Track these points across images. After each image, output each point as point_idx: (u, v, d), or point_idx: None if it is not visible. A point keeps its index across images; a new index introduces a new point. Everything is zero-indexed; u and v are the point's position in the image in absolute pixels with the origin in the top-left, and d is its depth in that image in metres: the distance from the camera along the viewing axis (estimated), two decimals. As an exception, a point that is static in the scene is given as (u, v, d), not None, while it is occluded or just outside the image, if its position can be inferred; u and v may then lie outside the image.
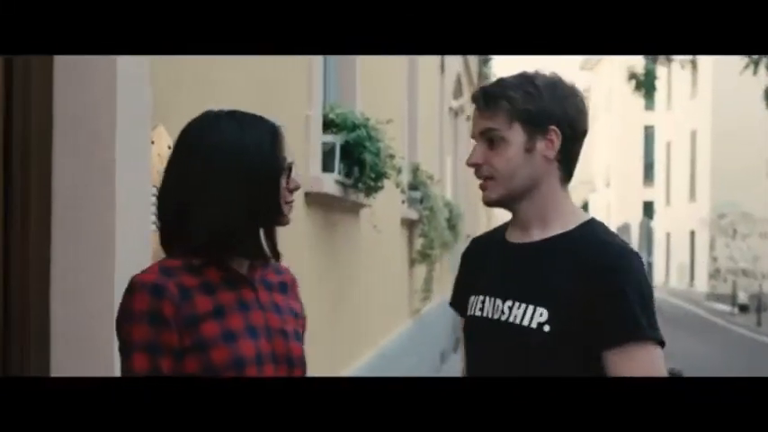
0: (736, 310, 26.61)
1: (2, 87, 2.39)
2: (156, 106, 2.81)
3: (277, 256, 2.19)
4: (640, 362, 2.14)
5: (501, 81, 2.31)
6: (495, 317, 2.27)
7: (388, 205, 7.13)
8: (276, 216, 2.12)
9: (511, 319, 2.23)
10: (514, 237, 2.36)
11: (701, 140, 33.04)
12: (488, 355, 2.31)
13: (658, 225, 40.39)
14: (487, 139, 2.27)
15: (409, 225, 9.21)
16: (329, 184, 5.02)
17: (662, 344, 2.18)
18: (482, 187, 2.31)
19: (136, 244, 2.66)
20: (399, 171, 6.45)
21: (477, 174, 2.31)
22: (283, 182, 2.10)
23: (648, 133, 44.12)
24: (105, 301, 2.51)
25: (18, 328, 2.45)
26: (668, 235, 38.30)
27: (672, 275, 37.08)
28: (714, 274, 31.08)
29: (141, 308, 1.92)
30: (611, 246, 2.22)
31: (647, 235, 41.09)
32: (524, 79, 2.28)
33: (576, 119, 2.29)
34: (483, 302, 2.33)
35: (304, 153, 4.86)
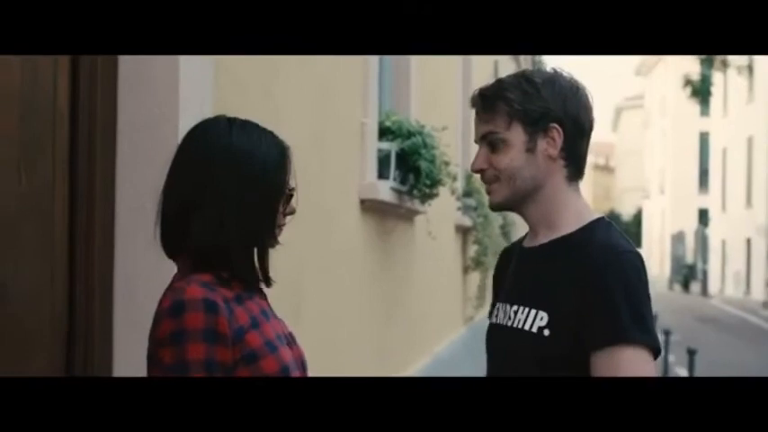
0: (793, 318, 26.23)
1: (68, 95, 2.43)
2: (216, 114, 2.83)
3: (268, 280, 2.13)
4: (622, 365, 2.02)
5: (499, 82, 2.25)
6: (504, 322, 2.26)
7: (442, 212, 7.14)
8: (268, 237, 2.07)
9: (515, 324, 2.20)
10: (527, 241, 2.33)
11: (758, 146, 32.66)
12: (497, 361, 2.31)
13: (714, 232, 39.96)
14: (489, 142, 2.22)
15: (463, 232, 9.21)
16: (385, 191, 5.04)
17: (654, 349, 2.06)
18: (487, 191, 2.27)
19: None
20: (454, 178, 6.45)
21: (483, 179, 2.27)
22: (281, 205, 2.07)
23: (704, 139, 43.72)
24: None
25: (81, 337, 2.49)
26: (724, 242, 37.87)
27: (728, 283, 36.65)
28: (771, 282, 30.66)
29: (196, 326, 1.85)
30: (606, 247, 2.13)
31: (702, 242, 40.68)
32: (522, 78, 2.23)
33: (579, 114, 2.22)
34: (498, 309, 2.32)
35: (360, 160, 4.87)
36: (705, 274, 39.04)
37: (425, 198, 5.71)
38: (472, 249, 9.51)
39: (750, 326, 23.76)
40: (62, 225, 2.43)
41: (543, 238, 2.25)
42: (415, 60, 6.47)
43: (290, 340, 2.14)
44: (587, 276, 2.09)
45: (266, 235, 2.06)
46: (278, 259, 3.51)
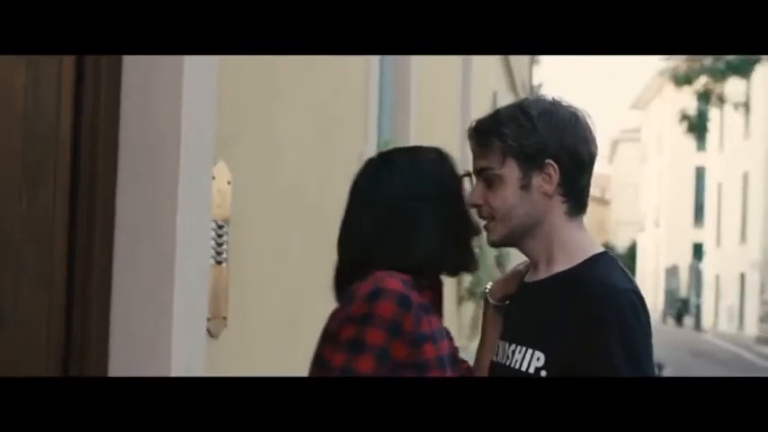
0: (786, 355, 26.20)
1: (71, 118, 2.44)
2: (217, 141, 2.85)
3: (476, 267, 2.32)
4: None
5: (494, 115, 2.19)
6: (503, 361, 2.19)
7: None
8: (475, 230, 2.23)
9: (513, 364, 2.13)
10: (529, 275, 2.25)
11: (753, 182, 32.75)
12: None
13: (708, 267, 40.00)
14: (484, 178, 2.16)
15: (458, 262, 9.19)
16: (382, 220, 5.03)
17: None
18: (485, 228, 2.21)
19: (195, 276, 2.69)
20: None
21: (479, 215, 2.21)
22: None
23: (699, 174, 43.83)
24: (164, 335, 2.54)
25: (77, 362, 2.49)
26: (718, 277, 37.90)
27: (721, 318, 36.64)
28: (764, 318, 30.65)
29: (385, 314, 1.97)
30: (603, 285, 2.03)
31: (696, 277, 40.69)
32: (518, 110, 2.14)
33: (577, 147, 2.14)
34: (499, 347, 2.24)
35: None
36: (698, 308, 39.03)
37: (422, 228, 5.70)
38: (467, 280, 9.50)
39: (743, 361, 23.74)
40: (62, 248, 2.43)
41: (542, 274, 2.18)
42: (415, 89, 6.49)
43: (456, 363, 2.23)
44: (582, 316, 2.00)
45: (466, 228, 2.25)
46: (275, 284, 3.52)
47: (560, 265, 2.14)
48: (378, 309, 1.97)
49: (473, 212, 2.22)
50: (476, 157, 2.20)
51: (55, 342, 2.42)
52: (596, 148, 2.20)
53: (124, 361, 2.56)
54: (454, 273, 2.25)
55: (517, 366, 2.11)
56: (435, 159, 2.29)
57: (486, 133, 2.16)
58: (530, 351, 2.09)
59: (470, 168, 2.23)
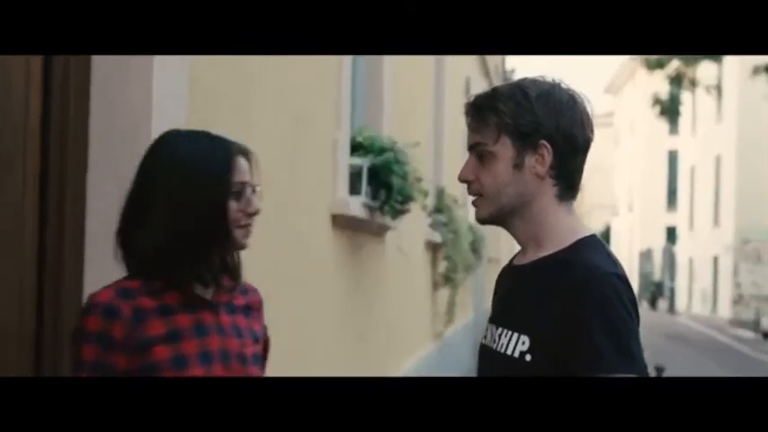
0: (759, 336, 26.42)
1: (40, 109, 2.41)
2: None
3: (236, 278, 2.17)
4: None
5: (493, 91, 2.15)
6: (490, 344, 2.17)
7: (412, 228, 7.14)
8: (222, 240, 2.07)
9: (499, 348, 2.11)
10: (517, 258, 2.24)
11: (726, 165, 32.94)
12: None
13: (681, 250, 40.22)
14: (477, 153, 2.14)
15: (433, 248, 9.22)
16: (356, 206, 5.03)
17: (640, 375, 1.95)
18: (473, 204, 2.18)
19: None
20: (426, 194, 6.46)
21: (469, 190, 2.18)
22: (234, 205, 2.06)
23: (672, 158, 44.06)
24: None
25: (50, 351, 2.47)
26: (691, 260, 38.12)
27: (695, 301, 36.88)
28: (737, 300, 30.85)
29: (92, 329, 1.92)
30: (588, 268, 2.00)
31: (669, 260, 40.92)
32: (517, 89, 2.11)
33: (572, 131, 2.11)
34: (487, 330, 2.23)
35: (331, 175, 4.87)
36: (672, 291, 39.28)
37: (397, 214, 5.71)
38: (442, 265, 9.52)
39: (717, 343, 23.91)
40: (32, 239, 2.41)
41: (531, 257, 2.16)
42: (388, 76, 6.48)
43: (234, 359, 2.08)
44: (566, 299, 1.98)
45: (217, 236, 2.05)
46: (250, 273, 3.51)
47: (548, 249, 2.12)
48: (85, 324, 1.94)
49: (233, 227, 2.09)
50: (471, 132, 2.16)
51: (27, 332, 2.40)
52: (592, 133, 2.17)
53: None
54: (184, 283, 2.04)
55: (503, 350, 2.09)
56: (197, 148, 2.07)
57: (482, 108, 2.12)
58: (515, 335, 2.07)
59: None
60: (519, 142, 2.09)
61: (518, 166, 2.10)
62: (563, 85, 2.15)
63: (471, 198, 2.19)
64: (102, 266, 2.55)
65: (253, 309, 2.23)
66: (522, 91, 2.10)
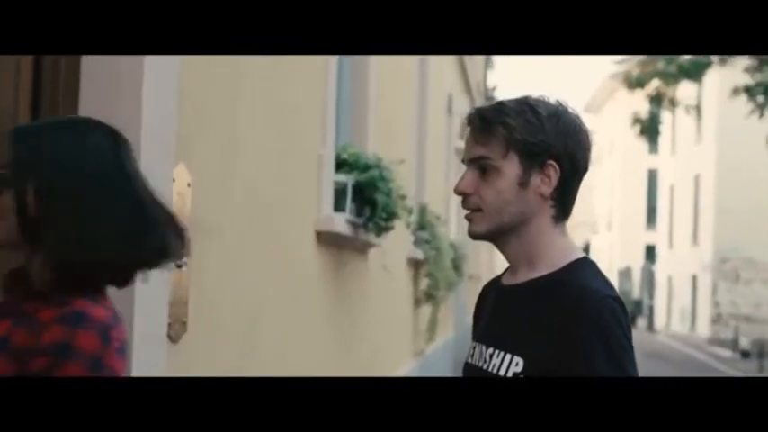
0: (737, 355, 26.50)
1: (29, 116, 2.40)
2: (177, 144, 2.81)
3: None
4: None
5: (500, 105, 2.10)
6: (480, 364, 2.13)
7: (394, 245, 7.13)
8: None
9: (490, 368, 2.07)
10: (506, 278, 2.20)
11: (705, 185, 33.07)
12: None
13: (660, 269, 40.33)
14: (479, 166, 2.08)
15: (415, 265, 9.21)
16: (340, 223, 5.02)
17: None
18: (468, 218, 2.12)
19: (155, 281, 2.64)
20: (410, 212, 6.46)
21: (465, 204, 2.11)
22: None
23: (652, 177, 44.24)
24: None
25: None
26: (670, 279, 38.22)
27: (673, 319, 36.96)
28: (716, 319, 30.98)
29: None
30: (584, 290, 1.97)
31: (648, 278, 41.05)
32: (526, 106, 2.07)
33: (578, 155, 2.09)
34: (474, 349, 2.19)
35: (317, 192, 4.86)
36: (651, 309, 39.38)
37: (381, 231, 5.70)
38: (423, 282, 9.51)
39: (695, 362, 23.96)
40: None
41: (522, 277, 2.11)
42: (373, 92, 6.48)
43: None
44: (563, 321, 1.94)
45: None
46: (235, 287, 3.50)
47: (541, 269, 2.08)
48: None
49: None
50: (474, 145, 2.10)
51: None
52: (590, 159, 2.16)
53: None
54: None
55: (495, 371, 2.05)
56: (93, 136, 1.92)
57: (491, 121, 2.06)
58: (508, 356, 2.02)
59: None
60: (527, 160, 2.05)
61: (523, 184, 2.06)
62: (569, 108, 2.12)
63: (465, 212, 2.14)
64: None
65: (43, 322, 1.87)
66: (532, 108, 2.06)
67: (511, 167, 2.05)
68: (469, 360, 2.20)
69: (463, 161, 2.15)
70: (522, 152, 2.05)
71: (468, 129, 2.13)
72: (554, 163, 2.06)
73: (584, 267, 2.07)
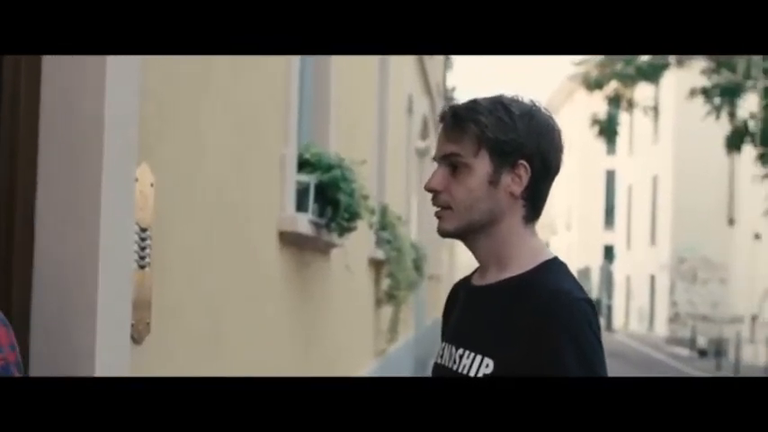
0: (695, 354, 26.75)
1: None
2: (140, 143, 2.78)
3: None
4: None
5: (473, 103, 2.08)
6: (449, 365, 2.11)
7: (356, 246, 7.12)
8: None
9: (460, 369, 2.05)
10: (476, 278, 2.19)
11: (663, 185, 33.38)
12: None
13: (618, 269, 40.66)
14: (450, 164, 2.08)
15: (376, 265, 9.20)
16: (303, 223, 5.00)
17: None
18: (438, 216, 2.11)
19: (118, 282, 2.62)
20: (373, 212, 6.44)
21: (435, 201, 2.10)
22: None
23: (610, 178, 44.58)
24: (87, 341, 2.47)
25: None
26: (628, 279, 38.55)
27: (631, 319, 37.28)
28: (674, 319, 31.28)
29: None
30: (557, 294, 1.96)
31: (606, 278, 41.37)
32: (499, 104, 2.06)
33: (550, 155, 2.09)
34: (443, 349, 2.18)
35: (279, 192, 4.84)
36: (610, 309, 39.71)
37: (343, 231, 5.68)
38: (385, 283, 9.50)
39: (653, 361, 24.17)
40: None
41: (492, 278, 2.10)
42: (335, 92, 6.47)
43: None
44: (534, 323, 1.93)
45: None
46: (198, 287, 3.47)
47: (512, 270, 2.07)
48: None
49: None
50: (445, 142, 2.09)
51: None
52: (562, 160, 2.15)
53: (46, 368, 2.48)
54: None
55: (465, 372, 2.04)
56: None
57: (463, 119, 2.06)
58: (478, 357, 2.01)
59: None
60: (498, 159, 2.04)
61: (494, 182, 2.05)
62: (542, 108, 2.12)
63: (435, 209, 2.13)
64: (51, 281, 2.49)
65: None
66: (505, 107, 2.06)
67: (482, 165, 2.05)
68: (439, 361, 2.19)
69: (434, 158, 2.14)
70: (493, 150, 2.04)
71: (441, 126, 2.12)
72: (525, 162, 2.06)
73: (554, 268, 2.07)
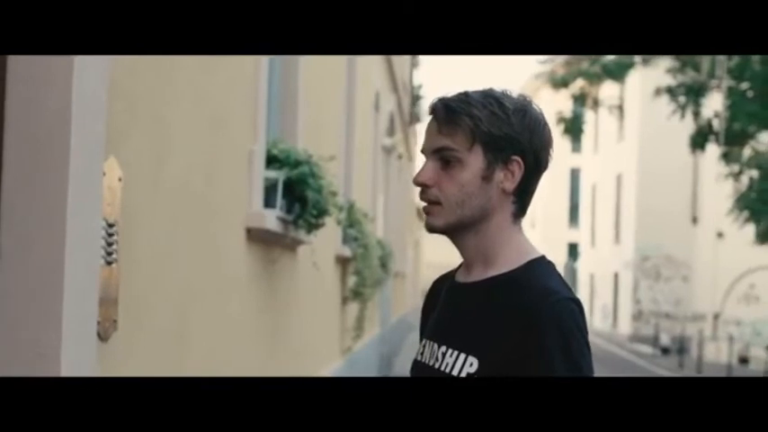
0: (658, 352, 26.93)
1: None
2: (107, 137, 2.74)
3: None
4: None
5: (466, 96, 2.02)
6: (431, 363, 2.08)
7: (323, 243, 7.09)
8: None
9: (443, 368, 2.02)
10: (460, 275, 2.14)
11: (627, 184, 33.55)
12: None
13: (583, 266, 40.85)
14: (442, 158, 2.01)
15: (343, 262, 9.18)
16: (271, 220, 4.96)
17: None
18: (426, 211, 2.06)
19: (85, 278, 2.58)
20: (341, 209, 6.42)
21: (423, 195, 2.05)
22: None
23: (574, 176, 44.78)
24: (53, 339, 2.43)
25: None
26: (592, 276, 38.73)
27: (595, 317, 37.44)
28: (637, 316, 31.47)
29: None
30: (543, 292, 1.93)
31: (571, 276, 41.53)
32: (492, 98, 2.01)
33: (542, 151, 2.05)
34: (425, 347, 2.14)
35: (247, 188, 4.80)
36: (574, 307, 39.87)
37: (311, 228, 5.65)
38: (351, 280, 9.48)
39: (617, 358, 24.30)
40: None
41: (478, 275, 2.06)
42: (303, 88, 6.43)
43: None
44: (521, 323, 1.89)
45: None
46: (165, 283, 3.43)
47: (498, 268, 2.04)
48: None
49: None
50: (437, 135, 2.03)
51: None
52: (551, 157, 2.11)
53: (11, 366, 2.43)
54: None
55: (448, 370, 2.00)
56: None
57: (457, 111, 1.99)
58: (462, 356, 1.98)
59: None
60: (492, 154, 2.00)
61: (486, 178, 2.01)
62: (534, 104, 2.08)
63: (423, 204, 2.08)
64: (17, 278, 2.45)
65: None
66: (498, 101, 2.01)
67: (475, 160, 2.00)
68: (419, 358, 2.16)
69: (423, 152, 2.08)
70: (487, 145, 1.99)
71: (432, 119, 2.06)
72: (519, 158, 2.02)
73: (542, 268, 2.04)
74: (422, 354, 2.15)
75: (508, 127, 2.00)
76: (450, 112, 2.01)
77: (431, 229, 2.08)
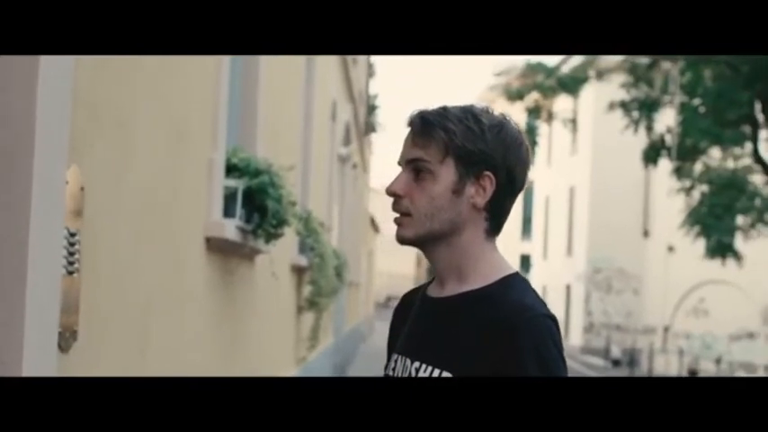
0: (609, 364, 27.11)
1: None
2: (70, 146, 2.70)
3: None
4: None
5: (444, 110, 2.04)
6: (403, 378, 2.06)
7: (280, 252, 7.05)
8: None
9: None
10: (432, 290, 2.14)
11: (579, 197, 33.81)
12: None
13: (535, 279, 41.01)
14: (415, 169, 2.03)
15: (298, 272, 9.14)
16: (230, 229, 4.92)
17: None
18: (397, 222, 2.06)
19: (46, 288, 2.54)
20: (300, 219, 6.39)
21: (395, 206, 2.05)
22: None
23: (527, 188, 44.86)
24: (14, 349, 2.38)
25: None
26: (544, 288, 38.91)
27: (547, 328, 37.65)
28: (588, 328, 31.69)
29: None
30: (519, 308, 1.93)
31: (523, 288, 41.73)
32: (470, 114, 2.03)
33: (516, 169, 2.05)
34: (396, 362, 2.13)
35: (207, 197, 4.76)
36: (525, 318, 40.06)
37: (270, 238, 5.61)
38: (307, 290, 9.44)
39: (569, 371, 24.39)
40: None
41: (451, 290, 2.06)
42: (262, 96, 6.40)
43: None
44: (497, 338, 1.89)
45: None
46: (124, 291, 3.39)
47: (472, 283, 2.04)
48: None
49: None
50: (411, 147, 2.05)
51: None
52: (528, 176, 2.12)
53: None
54: None
55: None
56: None
57: (432, 124, 2.01)
58: (436, 371, 1.98)
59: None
60: (463, 168, 2.01)
61: (457, 191, 2.02)
62: (512, 122, 2.09)
63: (394, 215, 2.08)
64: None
65: None
66: (475, 117, 2.03)
67: (446, 173, 2.01)
68: (390, 373, 2.15)
69: (399, 163, 2.09)
70: (459, 159, 2.00)
71: (409, 131, 2.07)
72: (491, 174, 2.02)
73: (517, 283, 2.04)
74: (393, 369, 2.14)
75: (482, 143, 2.01)
76: (425, 124, 2.03)
77: (401, 240, 2.08)
